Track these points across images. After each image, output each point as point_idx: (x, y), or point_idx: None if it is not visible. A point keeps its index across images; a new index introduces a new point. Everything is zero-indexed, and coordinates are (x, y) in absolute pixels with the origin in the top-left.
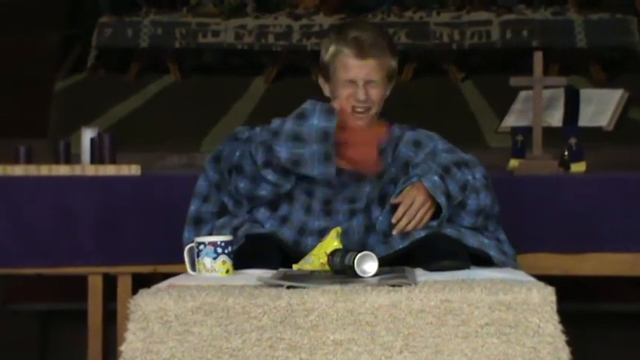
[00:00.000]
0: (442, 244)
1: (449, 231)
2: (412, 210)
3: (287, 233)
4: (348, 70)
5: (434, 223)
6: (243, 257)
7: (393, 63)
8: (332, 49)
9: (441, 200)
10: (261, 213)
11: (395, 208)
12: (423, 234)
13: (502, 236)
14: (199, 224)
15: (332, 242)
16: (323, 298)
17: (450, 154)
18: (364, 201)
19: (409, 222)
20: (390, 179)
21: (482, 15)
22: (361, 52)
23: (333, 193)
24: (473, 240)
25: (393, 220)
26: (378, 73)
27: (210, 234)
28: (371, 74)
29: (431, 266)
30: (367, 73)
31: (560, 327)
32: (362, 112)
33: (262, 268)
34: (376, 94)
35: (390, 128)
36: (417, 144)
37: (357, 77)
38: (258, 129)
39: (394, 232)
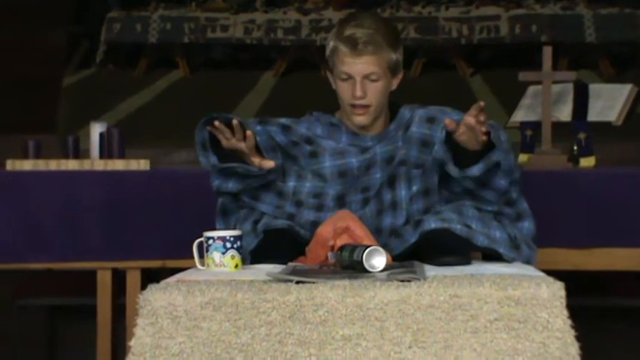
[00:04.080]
0: (447, 241)
1: (459, 229)
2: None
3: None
4: (344, 66)
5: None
6: (260, 251)
7: (394, 56)
8: (331, 44)
9: (503, 136)
10: (265, 208)
11: (448, 141)
12: (433, 225)
13: (524, 205)
14: (227, 215)
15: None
16: (332, 293)
17: None
18: (376, 188)
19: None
20: (400, 161)
21: (491, 10)
22: (355, 50)
23: (346, 187)
24: (482, 239)
25: (472, 112)
26: (375, 67)
27: (235, 225)
28: (368, 69)
29: (433, 261)
30: (363, 69)
31: (569, 322)
32: (361, 109)
33: (279, 263)
34: (375, 88)
35: (398, 112)
36: (431, 120)
37: (354, 73)
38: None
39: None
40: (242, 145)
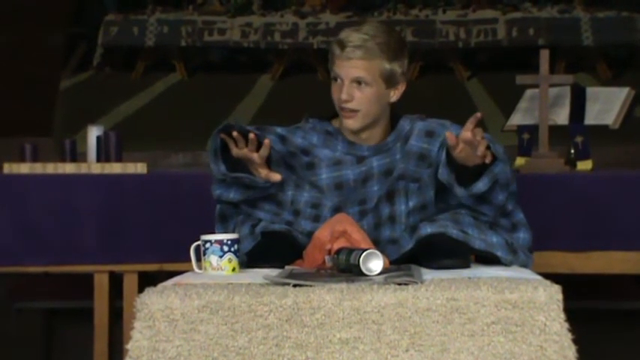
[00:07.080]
0: (444, 245)
1: (455, 233)
2: (480, 133)
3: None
4: (335, 67)
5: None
6: (257, 253)
7: (387, 65)
8: (330, 47)
9: (500, 148)
10: (263, 216)
11: (450, 161)
12: (429, 230)
13: (519, 216)
14: (226, 221)
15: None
16: (329, 296)
17: None
18: (374, 200)
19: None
20: (399, 175)
21: (489, 13)
22: (343, 52)
23: (343, 199)
24: (479, 242)
25: (468, 126)
26: (363, 72)
27: (234, 230)
28: (355, 73)
29: (432, 265)
30: (351, 72)
31: (566, 325)
32: (349, 112)
33: (277, 266)
34: (363, 94)
35: (398, 124)
36: (430, 134)
37: (342, 75)
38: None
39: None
40: (254, 156)
